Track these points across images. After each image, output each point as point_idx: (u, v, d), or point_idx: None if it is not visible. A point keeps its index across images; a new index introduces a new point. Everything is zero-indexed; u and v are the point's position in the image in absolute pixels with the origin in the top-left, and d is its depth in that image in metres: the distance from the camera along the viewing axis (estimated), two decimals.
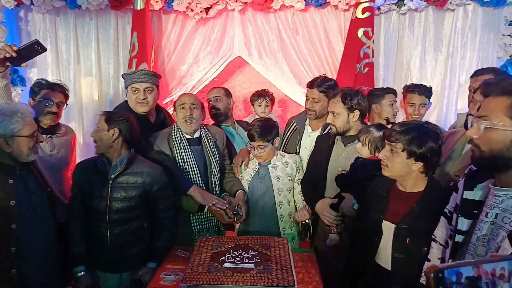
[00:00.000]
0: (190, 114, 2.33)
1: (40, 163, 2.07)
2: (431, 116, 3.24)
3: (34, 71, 3.39)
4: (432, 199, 1.60)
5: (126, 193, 2.03)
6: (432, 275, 0.76)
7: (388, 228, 1.66)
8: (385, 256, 1.67)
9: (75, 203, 2.09)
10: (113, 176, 2.03)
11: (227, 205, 2.30)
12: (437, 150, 1.58)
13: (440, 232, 1.52)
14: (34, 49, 1.99)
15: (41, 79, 2.48)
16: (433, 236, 1.55)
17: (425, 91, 2.67)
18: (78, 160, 2.96)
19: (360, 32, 3.01)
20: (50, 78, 3.31)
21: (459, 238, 1.27)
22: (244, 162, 2.51)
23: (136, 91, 2.44)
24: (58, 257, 2.01)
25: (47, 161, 2.26)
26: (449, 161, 2.07)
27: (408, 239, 1.59)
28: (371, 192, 1.80)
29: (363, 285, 1.82)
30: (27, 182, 1.86)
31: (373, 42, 3.07)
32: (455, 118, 3.25)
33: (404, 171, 1.61)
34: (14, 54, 1.91)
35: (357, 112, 2.19)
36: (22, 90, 3.23)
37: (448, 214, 1.48)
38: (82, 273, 2.01)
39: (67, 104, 2.46)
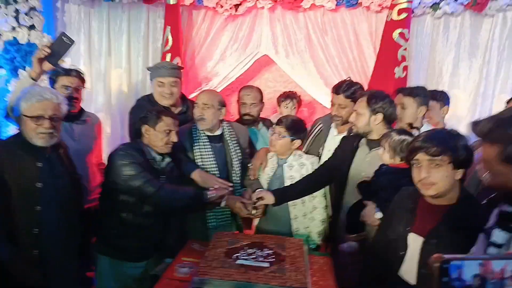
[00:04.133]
0: (200, 114, 2.33)
1: None
2: (462, 126, 3.11)
3: (68, 60, 3.48)
4: (464, 212, 1.46)
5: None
6: (437, 265, 0.71)
7: (414, 241, 1.54)
8: (409, 270, 1.54)
9: (110, 200, 2.09)
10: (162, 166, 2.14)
11: (230, 189, 2.27)
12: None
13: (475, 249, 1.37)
14: (63, 41, 2.10)
15: (57, 65, 2.53)
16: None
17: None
18: (105, 149, 3.03)
19: (395, 34, 2.88)
20: (83, 68, 3.42)
21: (493, 250, 1.16)
22: (262, 165, 2.46)
23: (162, 85, 2.46)
24: (78, 242, 2.04)
25: (71, 148, 2.29)
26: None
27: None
28: (397, 202, 1.69)
29: None
30: (54, 167, 1.89)
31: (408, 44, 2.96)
32: None
33: (450, 183, 1.47)
34: (48, 50, 2.04)
35: (379, 116, 2.13)
36: None
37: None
38: None
39: (85, 88, 2.53)
